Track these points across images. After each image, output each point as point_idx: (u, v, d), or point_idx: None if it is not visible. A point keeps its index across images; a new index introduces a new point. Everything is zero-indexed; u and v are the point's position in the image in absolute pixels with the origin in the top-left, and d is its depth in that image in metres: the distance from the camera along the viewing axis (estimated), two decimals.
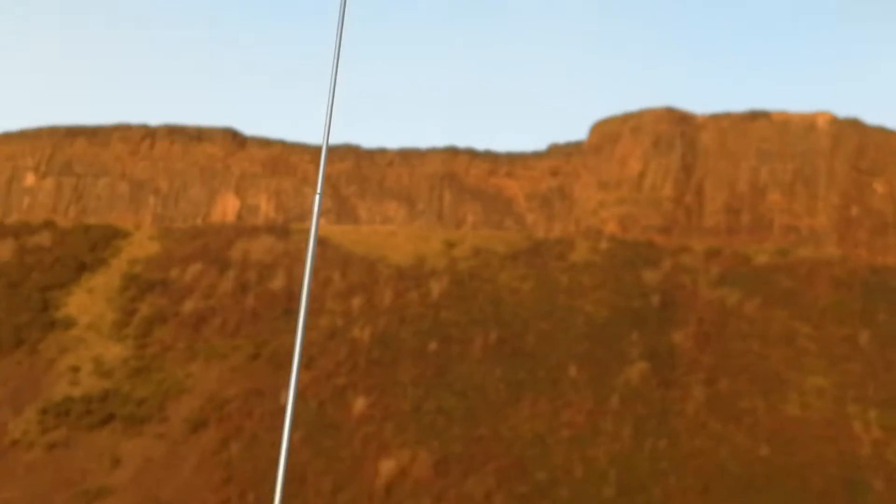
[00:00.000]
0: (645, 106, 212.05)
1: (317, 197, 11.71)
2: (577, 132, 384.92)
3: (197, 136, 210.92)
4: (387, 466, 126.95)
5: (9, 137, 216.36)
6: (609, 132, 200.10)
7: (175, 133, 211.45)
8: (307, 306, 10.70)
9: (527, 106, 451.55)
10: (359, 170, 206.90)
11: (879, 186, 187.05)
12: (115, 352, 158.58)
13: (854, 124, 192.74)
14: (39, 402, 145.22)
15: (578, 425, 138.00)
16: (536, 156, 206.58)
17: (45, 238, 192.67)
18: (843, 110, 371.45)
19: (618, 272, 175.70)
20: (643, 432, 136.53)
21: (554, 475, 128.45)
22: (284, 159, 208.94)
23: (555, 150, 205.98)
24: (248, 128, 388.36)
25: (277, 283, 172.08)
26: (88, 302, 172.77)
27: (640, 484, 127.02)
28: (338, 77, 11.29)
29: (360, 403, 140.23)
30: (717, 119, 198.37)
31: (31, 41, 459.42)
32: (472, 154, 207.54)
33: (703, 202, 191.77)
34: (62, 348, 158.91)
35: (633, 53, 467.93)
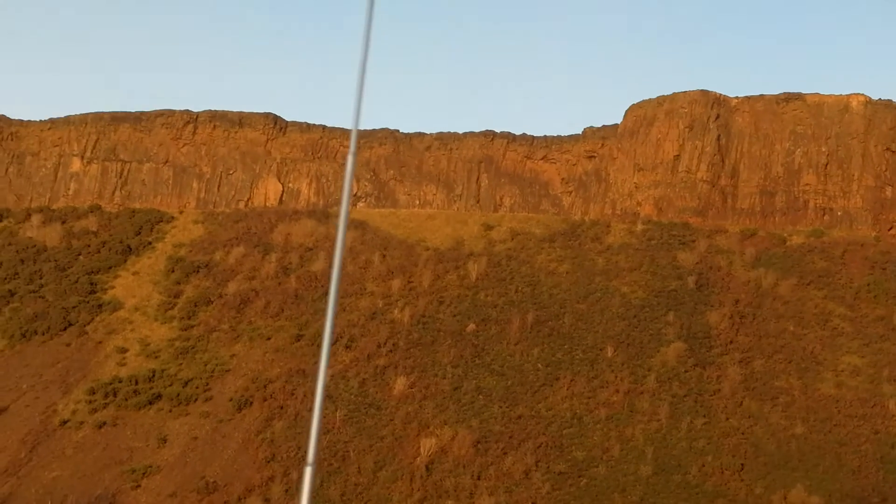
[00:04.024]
0: (679, 89, 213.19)
1: (350, 157, 12.75)
2: (613, 116, 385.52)
3: (238, 121, 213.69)
4: (427, 445, 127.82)
5: (55, 124, 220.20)
6: (644, 115, 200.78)
7: (217, 119, 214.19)
8: (338, 283, 11.86)
9: (562, 90, 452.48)
10: (397, 154, 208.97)
11: None
12: (160, 333, 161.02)
13: (888, 105, 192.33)
14: (88, 382, 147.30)
15: (615, 405, 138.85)
16: (572, 139, 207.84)
17: (91, 222, 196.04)
18: (878, 92, 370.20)
19: (654, 254, 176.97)
20: (680, 411, 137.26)
21: (591, 454, 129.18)
22: (324, 144, 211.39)
23: (590, 134, 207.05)
24: (289, 113, 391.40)
25: (318, 265, 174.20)
26: (134, 284, 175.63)
27: (677, 462, 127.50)
28: (367, 63, 12.66)
29: (400, 383, 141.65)
30: (751, 101, 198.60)
31: (80, 31, 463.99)
32: (508, 138, 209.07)
33: (737, 184, 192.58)
34: (109, 330, 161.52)
35: (667, 37, 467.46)
